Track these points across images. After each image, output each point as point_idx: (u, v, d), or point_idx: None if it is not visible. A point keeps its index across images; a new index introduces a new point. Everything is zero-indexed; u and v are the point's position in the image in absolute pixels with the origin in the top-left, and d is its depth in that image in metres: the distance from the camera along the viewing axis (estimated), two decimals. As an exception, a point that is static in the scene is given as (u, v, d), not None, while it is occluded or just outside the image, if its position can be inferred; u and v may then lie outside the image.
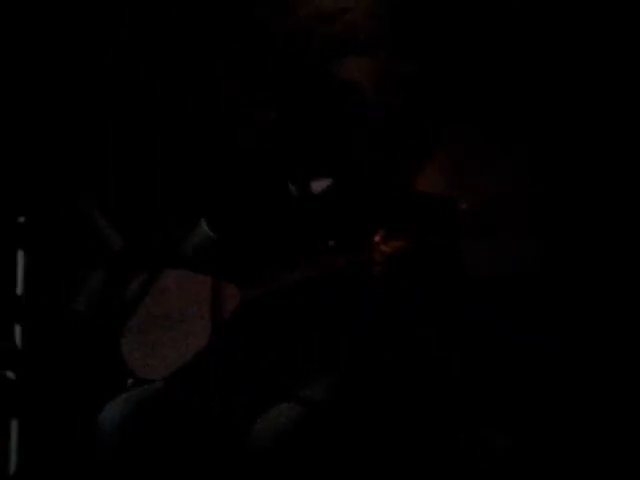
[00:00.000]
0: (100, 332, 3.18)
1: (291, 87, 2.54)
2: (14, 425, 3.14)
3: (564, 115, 2.75)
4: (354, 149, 2.53)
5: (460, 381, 2.48)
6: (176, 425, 2.44)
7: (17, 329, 3.17)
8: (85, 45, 3.23)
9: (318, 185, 2.55)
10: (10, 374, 3.14)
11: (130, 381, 2.59)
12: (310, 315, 2.49)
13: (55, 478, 3.18)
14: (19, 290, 3.19)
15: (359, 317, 2.48)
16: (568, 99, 2.76)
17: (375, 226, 2.36)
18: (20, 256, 3.19)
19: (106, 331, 3.14)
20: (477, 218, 2.49)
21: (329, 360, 2.45)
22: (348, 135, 2.53)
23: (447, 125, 2.71)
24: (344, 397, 2.37)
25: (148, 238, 3.16)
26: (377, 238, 2.34)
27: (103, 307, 3.15)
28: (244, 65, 2.99)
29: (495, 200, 2.68)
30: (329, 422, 2.31)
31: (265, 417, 2.31)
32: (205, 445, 2.44)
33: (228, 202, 2.64)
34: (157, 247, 3.05)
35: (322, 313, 2.48)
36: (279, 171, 2.59)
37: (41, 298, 3.21)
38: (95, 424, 2.42)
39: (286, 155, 2.54)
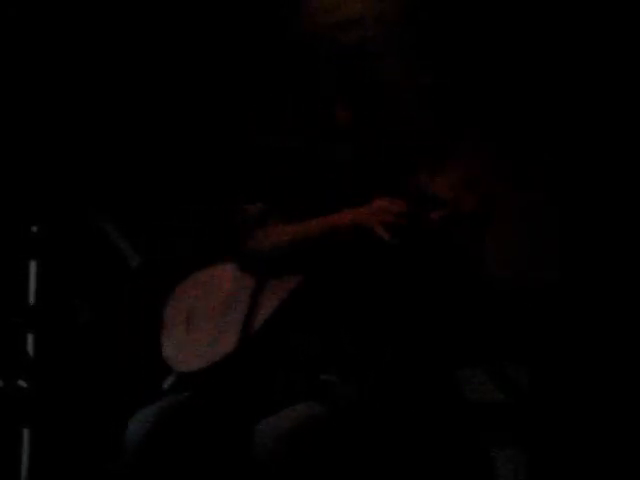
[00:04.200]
0: (113, 340, 3.24)
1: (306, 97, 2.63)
2: (26, 434, 3.13)
3: (580, 127, 2.88)
4: (366, 159, 2.53)
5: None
6: (200, 437, 2.39)
7: (29, 338, 3.17)
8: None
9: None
10: (22, 383, 3.13)
11: (169, 379, 2.53)
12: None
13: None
14: (31, 299, 3.19)
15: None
16: (582, 109, 2.88)
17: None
18: (32, 265, 3.19)
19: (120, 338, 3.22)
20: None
21: (336, 362, 2.41)
22: (360, 146, 2.52)
23: (462, 136, 2.73)
24: (348, 400, 2.34)
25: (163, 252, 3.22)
26: None
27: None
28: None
29: (509, 212, 2.83)
30: (332, 425, 2.27)
31: (268, 419, 2.25)
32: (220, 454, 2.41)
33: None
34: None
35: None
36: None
37: (53, 307, 3.22)
38: (121, 436, 2.35)
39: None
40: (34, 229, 3.18)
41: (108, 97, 3.32)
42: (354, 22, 2.95)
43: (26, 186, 3.19)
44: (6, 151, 3.18)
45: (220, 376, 2.46)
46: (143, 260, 3.12)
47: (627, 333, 2.88)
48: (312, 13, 3.05)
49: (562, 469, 2.88)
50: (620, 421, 2.85)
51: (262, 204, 2.54)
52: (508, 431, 2.90)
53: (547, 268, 2.94)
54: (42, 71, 3.25)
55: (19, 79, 3.21)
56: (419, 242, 2.35)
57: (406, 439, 2.34)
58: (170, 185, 3.32)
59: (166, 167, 3.32)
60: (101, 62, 3.32)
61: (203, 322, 2.52)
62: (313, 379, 2.40)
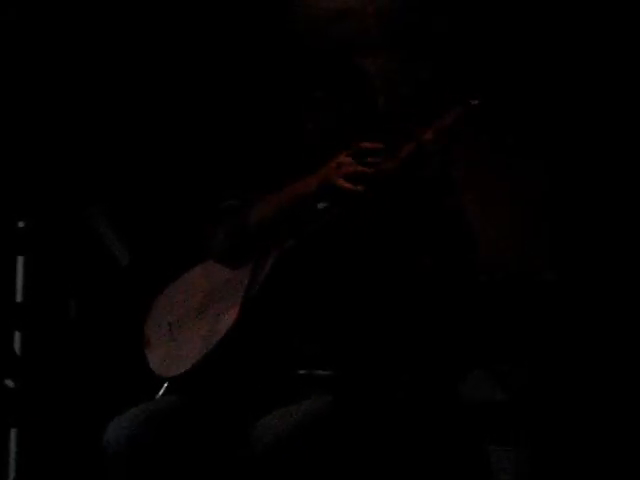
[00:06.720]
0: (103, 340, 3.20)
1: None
2: (13, 434, 3.12)
3: (578, 125, 2.85)
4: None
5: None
6: (182, 439, 2.33)
7: (16, 336, 3.14)
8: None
9: None
10: (9, 382, 3.10)
11: (162, 389, 2.48)
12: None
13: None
14: (18, 297, 3.16)
15: None
16: (581, 106, 2.86)
17: None
18: (20, 262, 3.16)
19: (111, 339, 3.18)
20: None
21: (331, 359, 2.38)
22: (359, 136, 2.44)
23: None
24: (344, 401, 2.31)
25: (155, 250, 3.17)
26: None
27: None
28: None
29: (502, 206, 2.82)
30: (329, 426, 2.24)
31: (267, 418, 2.22)
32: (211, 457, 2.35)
33: None
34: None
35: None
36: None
37: (41, 305, 3.18)
38: (102, 439, 2.26)
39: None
40: (21, 224, 3.15)
41: (101, 94, 3.28)
42: (350, 12, 2.89)
43: (13, 181, 3.15)
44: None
45: (211, 376, 2.41)
46: (133, 258, 3.07)
47: (625, 331, 2.84)
48: (308, 4, 2.99)
49: (561, 468, 2.84)
50: (619, 419, 2.82)
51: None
52: (507, 430, 2.86)
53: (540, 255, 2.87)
54: (34, 65, 3.20)
55: (12, 74, 3.17)
56: (386, 186, 2.29)
57: (406, 437, 2.32)
58: (165, 182, 3.26)
59: (159, 164, 3.26)
60: (98, 56, 3.28)
61: (186, 326, 2.49)
62: (311, 376, 2.35)
